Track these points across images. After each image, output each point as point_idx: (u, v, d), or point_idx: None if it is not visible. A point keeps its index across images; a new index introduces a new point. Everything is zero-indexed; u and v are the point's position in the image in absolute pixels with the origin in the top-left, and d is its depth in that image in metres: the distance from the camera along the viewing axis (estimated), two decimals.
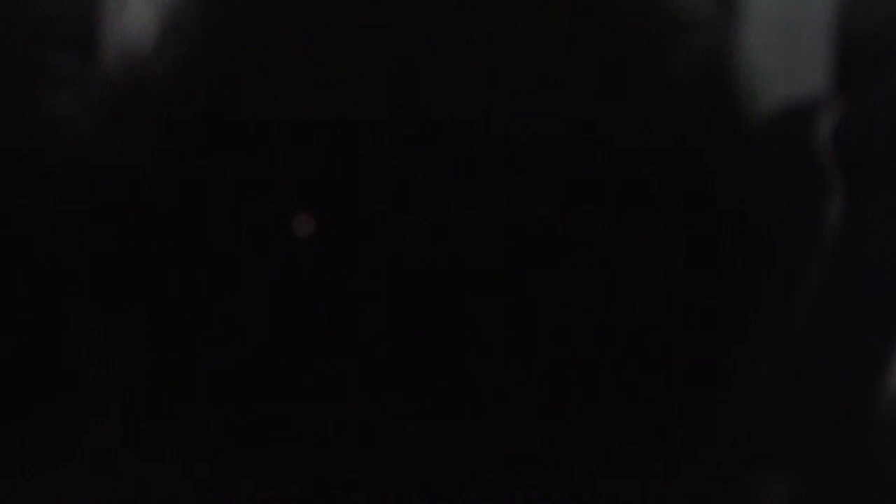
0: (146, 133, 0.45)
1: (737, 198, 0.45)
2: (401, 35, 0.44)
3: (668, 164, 0.44)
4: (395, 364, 0.44)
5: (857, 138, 1.33)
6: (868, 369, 1.14)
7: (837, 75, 1.95)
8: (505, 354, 0.44)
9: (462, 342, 0.44)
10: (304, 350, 0.44)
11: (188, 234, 0.44)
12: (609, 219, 0.44)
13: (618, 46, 0.44)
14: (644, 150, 0.44)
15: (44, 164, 0.52)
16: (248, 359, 0.44)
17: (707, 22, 0.45)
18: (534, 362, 0.44)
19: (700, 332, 0.45)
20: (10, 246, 0.53)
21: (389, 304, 0.44)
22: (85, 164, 0.46)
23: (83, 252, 0.45)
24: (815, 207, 1.37)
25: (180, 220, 0.44)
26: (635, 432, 0.45)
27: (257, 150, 0.44)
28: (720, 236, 0.45)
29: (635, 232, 0.44)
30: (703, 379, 0.46)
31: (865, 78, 1.38)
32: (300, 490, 0.45)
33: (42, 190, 0.50)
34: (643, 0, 0.44)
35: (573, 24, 0.44)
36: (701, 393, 0.46)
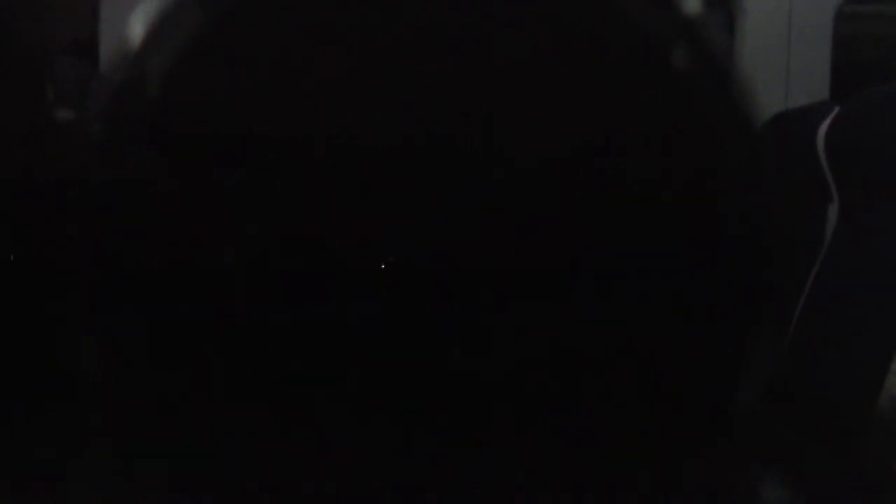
0: (143, 140, 0.45)
1: (736, 201, 0.45)
2: (400, 39, 0.44)
3: (668, 167, 0.44)
4: (390, 369, 0.44)
5: (848, 144, 1.34)
6: (865, 371, 1.14)
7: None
8: (500, 357, 0.44)
9: (466, 341, 0.44)
10: (303, 353, 0.44)
11: (185, 241, 0.44)
12: (610, 220, 0.44)
13: (618, 48, 0.44)
14: (643, 152, 0.44)
15: (44, 168, 0.52)
16: (245, 362, 0.44)
17: (709, 25, 0.46)
18: (532, 364, 0.45)
19: (699, 334, 0.45)
20: (11, 250, 0.53)
21: (377, 320, 0.44)
22: (84, 169, 0.46)
23: (83, 257, 0.45)
24: (812, 211, 1.37)
25: (178, 227, 0.44)
26: (636, 433, 0.45)
27: (254, 157, 0.44)
28: (719, 238, 0.45)
29: (635, 234, 0.44)
30: (704, 380, 0.46)
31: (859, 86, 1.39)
32: (298, 491, 0.45)
33: (43, 193, 0.51)
34: (645, 3, 0.45)
35: (573, 25, 0.44)
36: (701, 394, 0.46)
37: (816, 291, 1.31)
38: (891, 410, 1.07)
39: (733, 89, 0.45)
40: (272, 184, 0.44)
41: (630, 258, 0.44)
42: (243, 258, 0.44)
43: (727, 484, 0.48)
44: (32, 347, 0.53)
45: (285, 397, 0.44)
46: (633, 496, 0.45)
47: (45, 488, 0.55)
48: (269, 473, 0.44)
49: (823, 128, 1.36)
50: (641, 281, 0.44)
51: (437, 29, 0.44)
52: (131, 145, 0.44)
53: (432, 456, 0.45)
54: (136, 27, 0.44)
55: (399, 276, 0.44)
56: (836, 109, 1.39)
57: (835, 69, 1.98)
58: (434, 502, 0.45)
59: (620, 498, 0.45)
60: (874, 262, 1.23)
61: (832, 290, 1.29)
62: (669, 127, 0.44)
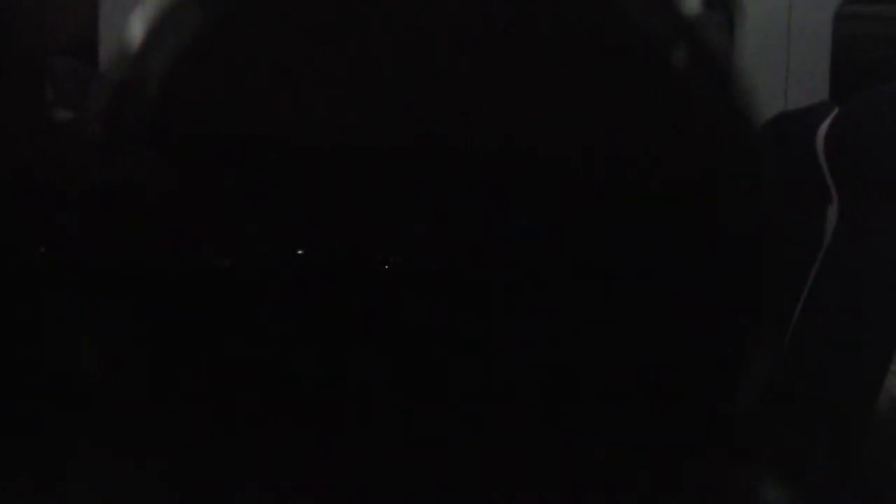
0: (143, 140, 0.45)
1: (736, 201, 0.45)
2: (400, 39, 0.44)
3: (668, 167, 0.44)
4: (391, 369, 0.44)
5: (847, 145, 1.34)
6: (864, 371, 1.14)
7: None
8: (501, 357, 0.44)
9: (471, 342, 0.44)
10: (304, 353, 0.44)
11: (184, 241, 0.44)
12: (609, 220, 0.44)
13: (619, 48, 0.45)
14: (643, 152, 0.44)
15: (44, 168, 0.52)
16: (245, 363, 0.44)
17: (709, 25, 0.46)
18: (533, 364, 0.45)
19: (699, 335, 0.45)
20: (11, 250, 0.53)
21: (378, 321, 0.44)
22: (84, 169, 0.46)
23: (82, 256, 0.45)
24: (812, 211, 1.37)
25: (177, 227, 0.44)
26: (636, 433, 0.45)
27: (254, 157, 0.44)
28: (719, 238, 0.45)
29: (634, 234, 0.44)
30: (704, 381, 0.46)
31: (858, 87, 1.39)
32: (298, 491, 0.45)
33: (42, 193, 0.51)
34: (645, 3, 0.45)
35: (574, 26, 0.44)
36: (701, 394, 0.46)
37: (816, 291, 1.31)
38: (891, 410, 1.07)
39: (733, 89, 0.45)
40: (272, 184, 0.44)
41: (629, 258, 0.44)
42: (243, 258, 0.44)
43: (727, 484, 0.49)
44: (32, 348, 0.53)
45: (286, 398, 0.44)
46: (633, 496, 0.45)
47: (45, 488, 0.55)
48: (269, 473, 0.44)
49: (823, 128, 1.37)
50: (641, 281, 0.44)
51: (436, 29, 0.44)
52: (131, 145, 0.44)
53: (432, 456, 0.45)
54: (136, 27, 0.44)
55: (400, 277, 0.44)
56: (836, 110, 1.39)
57: (835, 69, 1.98)
58: (434, 502, 0.45)
59: (620, 498, 0.45)
60: (874, 262, 1.23)
61: (832, 290, 1.29)
62: (669, 127, 0.44)
